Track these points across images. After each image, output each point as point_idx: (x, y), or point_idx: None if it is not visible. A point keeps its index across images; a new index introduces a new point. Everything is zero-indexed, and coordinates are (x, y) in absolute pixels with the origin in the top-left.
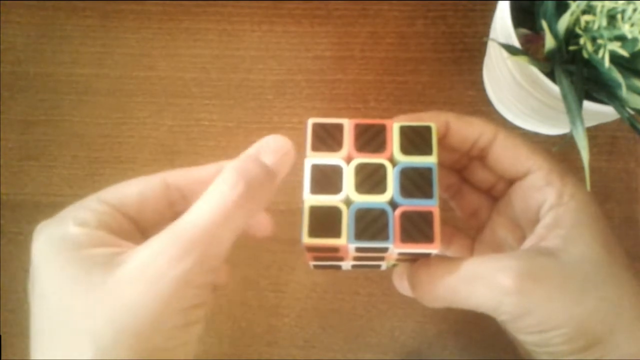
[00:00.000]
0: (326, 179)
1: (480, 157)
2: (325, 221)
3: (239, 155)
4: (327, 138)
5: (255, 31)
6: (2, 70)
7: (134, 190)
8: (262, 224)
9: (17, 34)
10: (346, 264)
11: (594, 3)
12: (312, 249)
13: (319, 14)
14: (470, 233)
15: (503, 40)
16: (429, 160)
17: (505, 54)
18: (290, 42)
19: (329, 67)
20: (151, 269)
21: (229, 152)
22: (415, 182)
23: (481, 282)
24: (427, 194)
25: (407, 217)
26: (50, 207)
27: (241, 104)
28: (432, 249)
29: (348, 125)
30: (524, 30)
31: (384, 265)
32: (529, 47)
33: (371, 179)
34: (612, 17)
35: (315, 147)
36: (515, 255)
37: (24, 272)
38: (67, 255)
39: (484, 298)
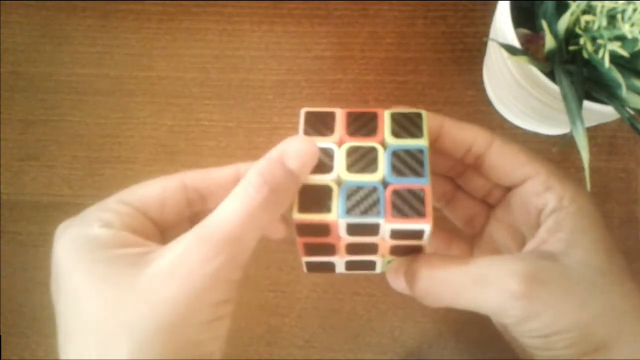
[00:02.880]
0: (317, 160)
1: (475, 165)
2: (316, 198)
3: (263, 157)
4: (319, 125)
5: (255, 31)
6: (2, 70)
7: (154, 191)
8: (278, 227)
9: (17, 34)
10: (340, 263)
11: (594, 3)
12: (302, 228)
13: (319, 14)
14: (468, 239)
15: (503, 40)
16: (420, 142)
17: (505, 54)
18: (290, 42)
19: (329, 67)
20: (184, 267)
21: (229, 152)
22: (407, 163)
23: (489, 284)
24: (418, 173)
25: (398, 194)
26: (50, 207)
27: (241, 104)
28: (424, 224)
29: (340, 113)
30: (524, 30)
31: (378, 264)
32: (529, 47)
33: (362, 160)
34: (612, 17)
35: (307, 133)
36: (521, 258)
37: (24, 272)
38: (94, 256)
39: (491, 301)
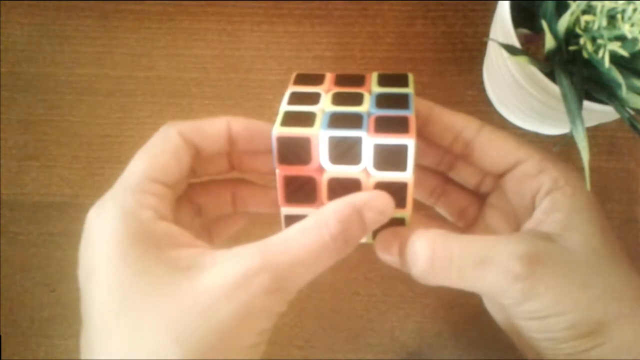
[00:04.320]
0: (304, 99)
1: (464, 154)
2: (299, 119)
3: (346, 200)
4: (309, 81)
5: (255, 31)
6: (2, 70)
7: (172, 162)
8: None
9: (17, 34)
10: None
11: (594, 3)
12: (282, 149)
13: (319, 14)
14: (462, 228)
15: (503, 40)
16: (405, 90)
17: (505, 54)
18: (290, 42)
19: (329, 67)
20: (245, 292)
21: None
22: (392, 101)
23: (492, 266)
24: (402, 106)
25: (382, 118)
26: (50, 207)
27: (241, 104)
28: (408, 138)
29: (330, 75)
30: (524, 30)
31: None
32: (529, 47)
33: (348, 99)
34: (612, 17)
35: (297, 83)
36: (522, 239)
37: (24, 272)
38: (149, 255)
39: (492, 282)
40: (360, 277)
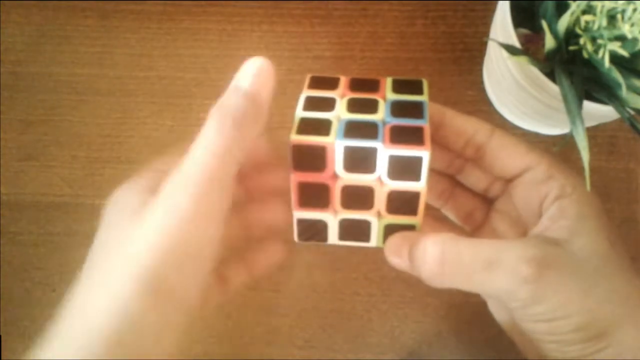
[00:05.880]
0: (318, 105)
1: (475, 158)
2: (315, 126)
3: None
4: (324, 84)
5: (255, 31)
6: (2, 70)
7: None
8: (272, 251)
9: (17, 34)
10: (333, 226)
11: (594, 3)
12: (298, 156)
13: (319, 14)
14: (468, 232)
15: (503, 40)
16: (420, 98)
17: (505, 54)
18: (290, 42)
19: (329, 67)
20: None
21: None
22: (406, 109)
23: (501, 269)
24: (417, 116)
25: (397, 128)
26: (50, 207)
27: None
28: (423, 150)
29: (344, 79)
30: (524, 30)
31: (374, 231)
32: (529, 47)
33: (363, 107)
34: (612, 17)
35: (311, 87)
36: (530, 242)
37: (24, 272)
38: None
39: (501, 285)
40: (360, 277)
